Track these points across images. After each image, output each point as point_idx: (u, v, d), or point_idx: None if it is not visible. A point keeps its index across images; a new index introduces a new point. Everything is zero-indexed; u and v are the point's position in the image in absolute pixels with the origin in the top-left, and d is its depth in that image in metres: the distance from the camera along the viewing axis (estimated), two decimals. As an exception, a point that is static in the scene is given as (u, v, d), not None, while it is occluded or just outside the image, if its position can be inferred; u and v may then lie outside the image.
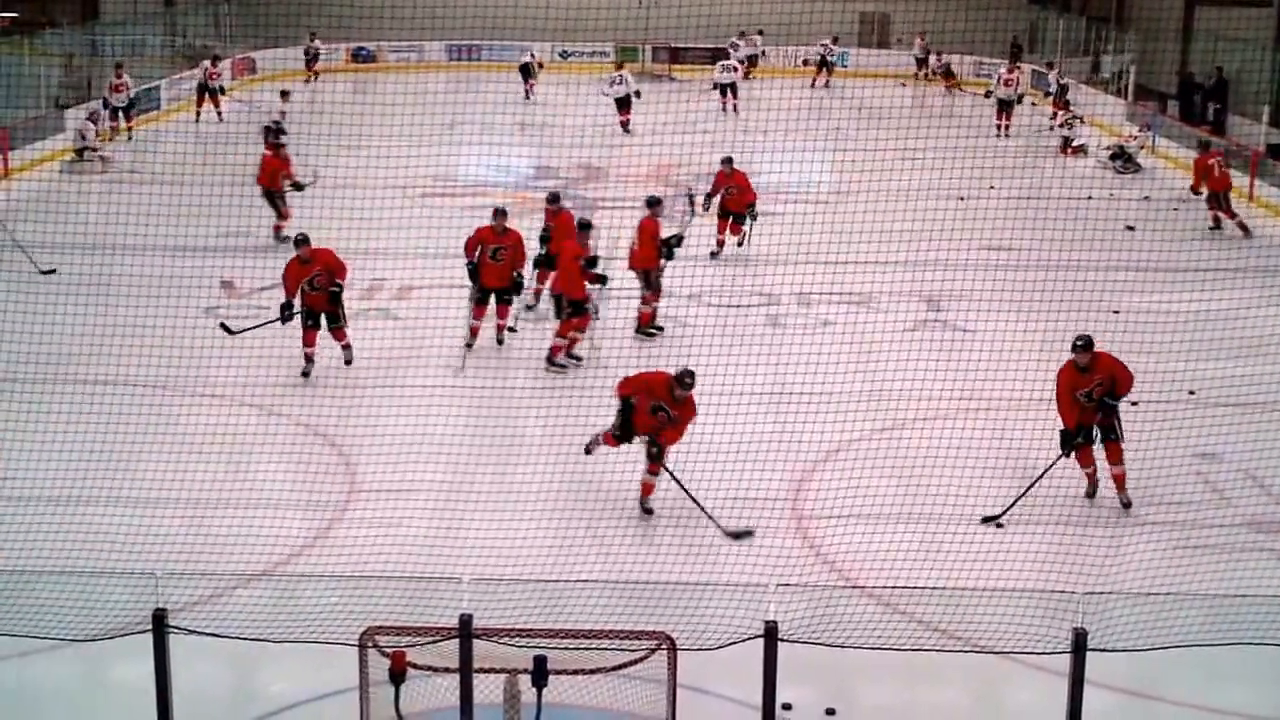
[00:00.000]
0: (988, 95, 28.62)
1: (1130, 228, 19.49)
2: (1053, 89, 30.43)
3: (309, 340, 13.57)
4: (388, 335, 14.68)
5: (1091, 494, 10.94)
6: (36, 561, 8.97)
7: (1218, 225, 20.41)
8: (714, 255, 18.09)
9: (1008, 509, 10.51)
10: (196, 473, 10.69)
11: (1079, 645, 6.91)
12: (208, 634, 7.14)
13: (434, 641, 6.58)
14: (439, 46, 38.44)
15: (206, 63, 29.67)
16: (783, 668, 6.84)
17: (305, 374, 13.45)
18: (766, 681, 6.85)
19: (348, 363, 13.77)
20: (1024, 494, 10.60)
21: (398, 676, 6.42)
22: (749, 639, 6.91)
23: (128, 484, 10.28)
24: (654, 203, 15.30)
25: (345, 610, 7.85)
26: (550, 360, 13.90)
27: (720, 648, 7.12)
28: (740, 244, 18.15)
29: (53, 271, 16.01)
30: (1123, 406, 12.37)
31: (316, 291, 13.51)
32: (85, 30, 33.77)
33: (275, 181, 18.63)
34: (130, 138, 26.69)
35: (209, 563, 9.48)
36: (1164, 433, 11.08)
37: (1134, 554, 9.67)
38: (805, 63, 37.51)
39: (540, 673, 6.38)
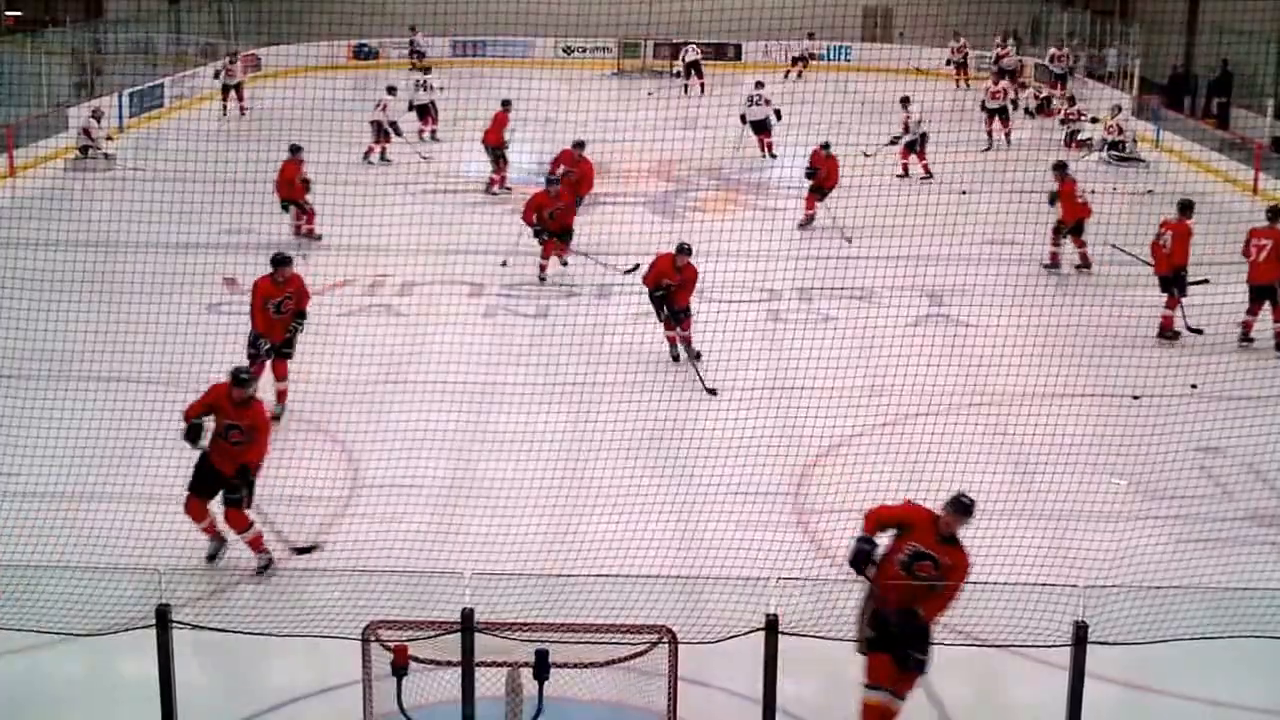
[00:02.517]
0: (984, 108, 28.26)
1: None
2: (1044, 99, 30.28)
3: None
4: (390, 331, 14.72)
5: None
6: (42, 557, 9.00)
7: None
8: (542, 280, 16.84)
9: None
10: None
11: (1080, 638, 6.92)
12: (211, 629, 7.18)
13: (436, 636, 6.60)
14: (442, 43, 38.47)
15: (225, 60, 30.26)
16: (783, 661, 6.86)
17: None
18: (767, 674, 6.87)
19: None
20: None
21: (400, 670, 6.43)
22: (750, 632, 6.93)
23: (131, 480, 10.30)
24: (1187, 207, 14.77)
25: (348, 605, 7.90)
26: None
27: (721, 641, 7.14)
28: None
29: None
30: (1124, 403, 12.41)
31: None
32: (89, 28, 33.81)
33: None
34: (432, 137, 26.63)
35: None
36: (1167, 426, 11.10)
37: (1135, 547, 9.68)
38: (948, 63, 35.90)
39: (542, 666, 6.39)
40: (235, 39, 35.40)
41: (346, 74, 36.25)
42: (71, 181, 21.93)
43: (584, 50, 38.28)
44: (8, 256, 15.20)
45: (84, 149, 23.55)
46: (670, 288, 13.58)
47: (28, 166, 23.25)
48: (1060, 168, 17.75)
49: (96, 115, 24.17)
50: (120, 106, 27.76)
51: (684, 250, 13.62)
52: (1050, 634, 7.81)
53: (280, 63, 33.95)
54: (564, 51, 38.19)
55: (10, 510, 10.05)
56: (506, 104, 22.57)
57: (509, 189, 21.83)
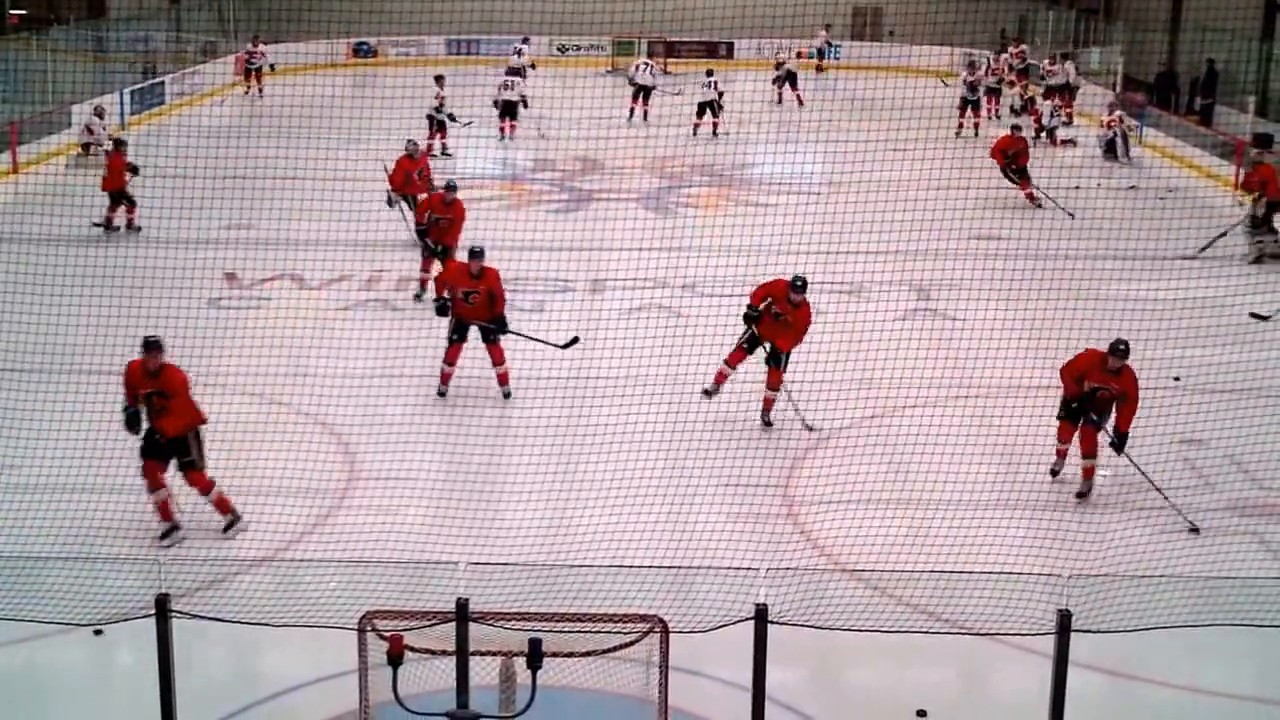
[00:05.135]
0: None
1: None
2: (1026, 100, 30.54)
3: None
4: (387, 325, 14.85)
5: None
6: (43, 548, 9.13)
7: None
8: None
9: None
10: (199, 461, 10.83)
11: (1064, 627, 6.97)
12: (210, 618, 7.25)
13: (431, 625, 6.67)
14: (439, 41, 38.55)
15: (248, 44, 32.33)
16: (773, 650, 6.98)
17: None
18: (757, 663, 6.92)
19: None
20: None
21: (396, 659, 6.47)
22: (740, 621, 6.99)
23: (132, 472, 10.41)
24: None
25: (345, 595, 7.95)
26: None
27: (712, 630, 7.21)
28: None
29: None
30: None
31: None
32: (92, 27, 33.87)
33: None
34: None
35: (211, 548, 9.66)
36: (1150, 418, 11.21)
37: (1119, 537, 9.81)
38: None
39: (535, 655, 6.40)
40: (235, 38, 35.41)
41: (347, 71, 36.38)
42: (73, 178, 22.02)
43: (578, 49, 38.36)
44: (11, 252, 15.31)
45: (86, 146, 23.64)
46: (779, 317, 11.95)
47: (31, 163, 23.34)
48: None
49: (99, 112, 24.26)
50: (122, 104, 27.85)
51: (798, 287, 11.84)
52: (1034, 622, 7.94)
53: (280, 61, 34.08)
54: (559, 50, 38.26)
55: (13, 503, 10.17)
56: None
57: None
